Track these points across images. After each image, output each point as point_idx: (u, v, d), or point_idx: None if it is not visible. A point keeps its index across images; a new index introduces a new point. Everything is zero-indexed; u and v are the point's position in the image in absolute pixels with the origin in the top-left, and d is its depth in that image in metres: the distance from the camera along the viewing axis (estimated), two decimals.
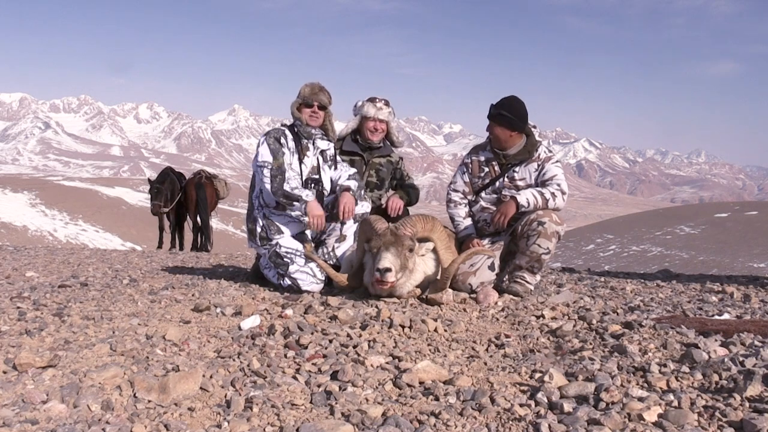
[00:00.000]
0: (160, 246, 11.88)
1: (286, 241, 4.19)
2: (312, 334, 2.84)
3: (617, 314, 3.39)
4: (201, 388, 2.12)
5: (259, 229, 4.27)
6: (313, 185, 4.28)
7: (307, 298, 3.61)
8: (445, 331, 2.99)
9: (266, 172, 4.09)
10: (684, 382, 2.19)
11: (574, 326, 3.09)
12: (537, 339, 2.89)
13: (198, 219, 11.44)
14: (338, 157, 4.50)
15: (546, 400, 2.04)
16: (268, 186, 4.08)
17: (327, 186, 4.37)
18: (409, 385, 2.22)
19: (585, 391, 2.09)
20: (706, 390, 2.11)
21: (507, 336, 2.93)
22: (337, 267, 4.17)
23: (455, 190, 4.36)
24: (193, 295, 3.80)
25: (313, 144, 4.32)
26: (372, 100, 4.85)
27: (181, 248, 11.75)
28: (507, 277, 4.10)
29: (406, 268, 3.60)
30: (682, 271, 7.12)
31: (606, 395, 2.02)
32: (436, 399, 2.10)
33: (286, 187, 4.06)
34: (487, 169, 4.24)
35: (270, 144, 4.17)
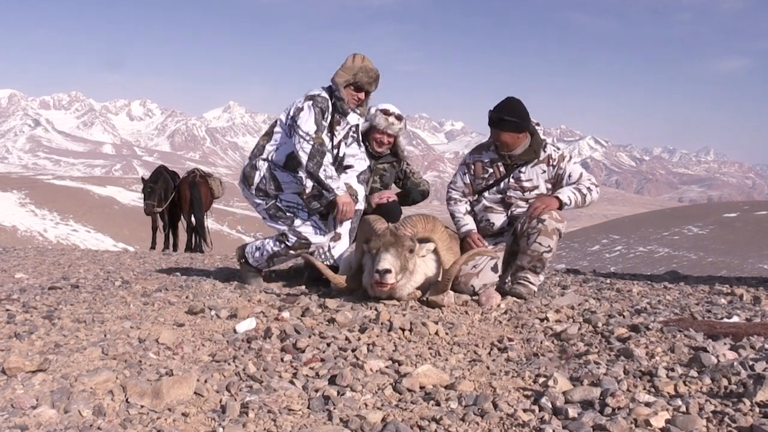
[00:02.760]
0: (153, 247, 11.88)
1: (286, 196, 4.24)
2: (309, 337, 2.84)
3: (623, 317, 3.39)
4: (195, 393, 2.12)
5: (257, 179, 4.28)
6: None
7: (304, 301, 3.61)
8: (447, 334, 2.99)
9: (306, 146, 4.05)
10: (692, 387, 2.19)
11: (579, 329, 3.08)
12: (541, 342, 2.89)
13: (192, 219, 11.44)
14: (359, 140, 4.48)
15: (550, 406, 2.04)
16: (304, 160, 4.05)
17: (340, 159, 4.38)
18: (409, 390, 2.22)
19: (590, 396, 2.09)
20: (715, 395, 2.12)
21: (510, 339, 2.93)
22: (335, 268, 4.17)
23: (455, 189, 4.38)
24: (187, 297, 3.80)
25: (345, 119, 4.30)
26: (385, 112, 4.87)
27: (175, 249, 11.74)
28: (510, 278, 4.09)
29: (407, 269, 3.60)
30: (691, 273, 7.12)
31: (612, 400, 2.02)
32: (437, 404, 2.10)
33: (322, 174, 4.06)
34: (491, 170, 4.22)
35: (316, 114, 4.11)
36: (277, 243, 4.30)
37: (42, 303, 3.52)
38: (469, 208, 4.33)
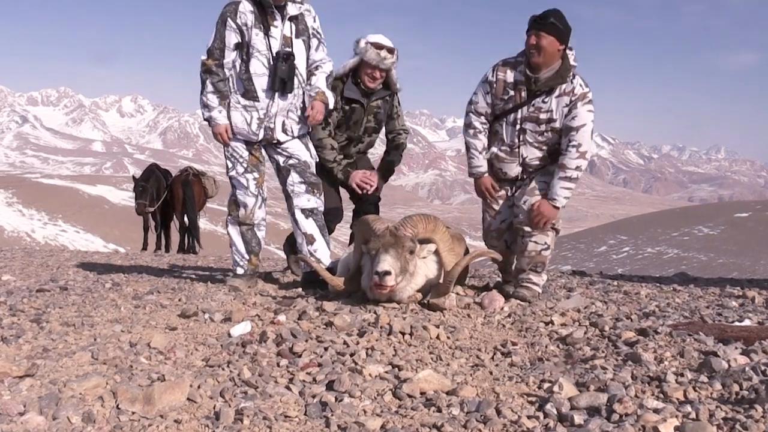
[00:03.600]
0: (144, 248, 11.88)
1: (235, 142, 4.28)
2: (306, 341, 2.84)
3: (631, 320, 3.39)
4: (188, 399, 2.12)
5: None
6: (284, 60, 4.11)
7: (301, 303, 3.61)
8: (448, 338, 2.99)
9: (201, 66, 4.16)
10: (702, 393, 2.19)
11: (585, 333, 3.09)
12: (546, 347, 2.89)
13: (185, 219, 11.44)
14: (321, 36, 4.36)
15: (555, 412, 2.04)
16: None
17: (302, 67, 4.26)
18: (409, 396, 2.22)
19: (597, 402, 2.09)
20: (725, 401, 2.12)
21: (514, 343, 2.93)
22: (332, 270, 4.17)
23: (477, 113, 4.07)
24: (179, 300, 3.80)
25: (280, 11, 4.15)
26: (377, 45, 4.74)
27: (168, 250, 11.75)
28: (513, 282, 4.09)
29: (407, 271, 3.60)
30: (700, 275, 7.13)
31: (619, 406, 2.02)
32: (439, 410, 2.10)
33: (201, 102, 4.19)
34: (512, 93, 3.93)
35: (214, 33, 4.14)
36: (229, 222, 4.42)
37: (30, 306, 3.52)
38: (486, 142, 4.09)
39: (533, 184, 3.98)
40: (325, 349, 2.73)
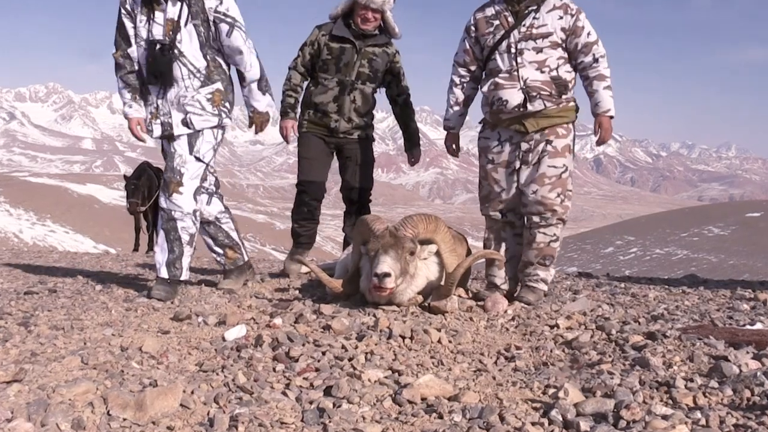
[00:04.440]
0: (136, 249, 11.88)
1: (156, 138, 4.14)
2: (303, 345, 2.84)
3: (639, 324, 3.39)
4: (181, 404, 2.12)
5: None
6: (160, 51, 3.82)
7: (297, 306, 3.61)
8: (450, 342, 2.99)
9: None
10: (712, 399, 2.19)
11: (592, 337, 3.09)
12: (551, 351, 2.89)
13: None
14: (236, 20, 3.96)
15: (560, 418, 2.04)
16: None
17: (194, 55, 3.92)
18: (410, 402, 2.22)
19: (603, 408, 2.09)
20: (736, 407, 2.12)
21: (518, 348, 2.93)
22: (330, 272, 4.18)
23: (455, 63, 4.09)
24: (172, 303, 3.80)
25: None
26: None
27: None
28: (519, 278, 4.07)
29: (407, 272, 3.60)
30: (711, 277, 7.13)
31: (627, 413, 2.02)
32: (440, 417, 2.10)
33: (119, 85, 4.03)
34: (497, 22, 3.87)
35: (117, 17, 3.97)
36: None
37: (17, 309, 3.52)
38: (461, 97, 4.10)
39: (543, 168, 3.85)
40: (323, 353, 2.73)
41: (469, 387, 2.39)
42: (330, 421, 2.04)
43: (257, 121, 4.21)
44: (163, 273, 4.05)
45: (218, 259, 4.42)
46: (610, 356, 2.76)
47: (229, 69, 4.14)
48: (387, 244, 3.56)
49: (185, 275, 4.12)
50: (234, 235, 4.38)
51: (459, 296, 3.89)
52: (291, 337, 2.93)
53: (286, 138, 5.13)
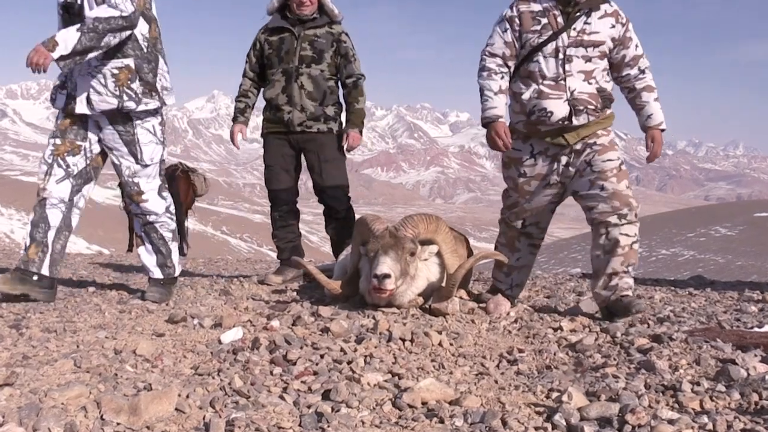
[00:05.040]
0: (130, 249, 11.86)
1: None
2: (301, 348, 2.84)
3: (644, 326, 3.39)
4: (176, 409, 2.12)
5: None
6: (66, 11, 3.62)
7: (295, 308, 3.61)
8: (451, 345, 2.99)
9: None
10: (719, 403, 2.19)
11: (596, 340, 3.09)
12: (554, 354, 2.89)
13: None
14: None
15: (564, 423, 2.04)
16: None
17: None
18: (410, 406, 2.22)
19: (608, 412, 2.09)
20: (744, 411, 2.12)
21: (520, 351, 2.93)
22: (329, 273, 4.17)
23: (492, 54, 3.69)
24: (167, 305, 3.80)
25: None
26: None
27: None
28: (600, 292, 3.63)
29: (407, 274, 3.60)
30: (718, 278, 7.14)
31: (632, 417, 2.02)
32: (441, 421, 2.10)
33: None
34: (544, 21, 3.56)
35: None
36: None
37: (8, 311, 3.52)
38: (504, 86, 3.68)
39: (598, 165, 3.57)
40: (321, 356, 2.73)
41: (470, 391, 2.38)
42: (328, 426, 2.04)
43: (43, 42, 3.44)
44: (157, 274, 4.04)
45: (21, 253, 3.93)
46: (614, 359, 2.76)
47: (154, 50, 3.81)
48: (387, 244, 3.56)
49: (178, 271, 4.13)
50: (64, 234, 3.95)
51: (460, 298, 3.89)
52: (288, 339, 2.93)
53: (233, 141, 5.13)
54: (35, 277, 3.78)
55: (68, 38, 3.41)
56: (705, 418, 2.01)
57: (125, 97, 3.66)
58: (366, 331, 3.13)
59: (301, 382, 2.44)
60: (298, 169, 5.05)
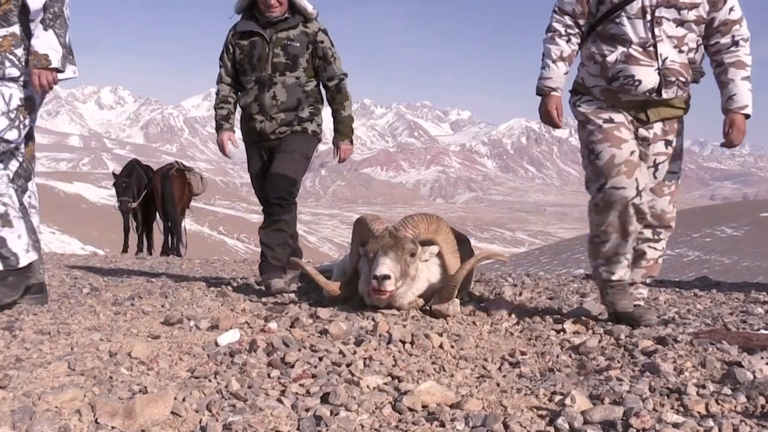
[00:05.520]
0: (125, 250, 11.88)
1: None
2: (299, 350, 2.84)
3: (649, 328, 3.39)
4: (172, 412, 2.12)
5: None
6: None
7: (293, 310, 3.61)
8: (452, 347, 2.99)
9: None
10: (725, 406, 2.19)
11: (600, 342, 3.09)
12: (557, 356, 2.89)
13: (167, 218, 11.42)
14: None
15: (567, 427, 2.04)
16: None
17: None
18: (410, 410, 2.22)
19: (612, 416, 2.09)
20: (750, 415, 2.12)
21: (523, 353, 2.93)
22: (327, 274, 4.17)
23: (561, 11, 3.33)
24: (163, 306, 3.80)
25: None
26: None
27: (150, 252, 11.75)
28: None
29: (407, 275, 3.60)
30: (724, 279, 7.13)
31: (636, 421, 2.02)
32: (442, 425, 2.10)
33: None
34: None
35: None
36: None
37: (1, 313, 3.52)
38: (568, 51, 3.31)
39: (661, 174, 3.34)
40: (320, 359, 2.73)
41: (472, 394, 2.38)
42: (327, 430, 2.04)
43: (32, 63, 3.42)
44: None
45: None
46: (618, 362, 2.76)
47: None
48: (387, 245, 3.56)
49: (24, 261, 3.64)
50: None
51: (461, 299, 3.89)
52: (286, 342, 2.93)
53: (223, 152, 4.88)
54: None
55: (49, 43, 3.41)
56: (710, 422, 2.01)
57: (7, 63, 3.46)
58: (365, 333, 3.13)
59: (300, 385, 2.44)
60: None
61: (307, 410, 2.19)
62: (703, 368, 2.59)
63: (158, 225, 11.77)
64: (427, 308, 3.68)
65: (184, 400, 2.22)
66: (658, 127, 3.31)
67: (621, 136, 3.22)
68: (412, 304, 3.68)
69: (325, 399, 2.29)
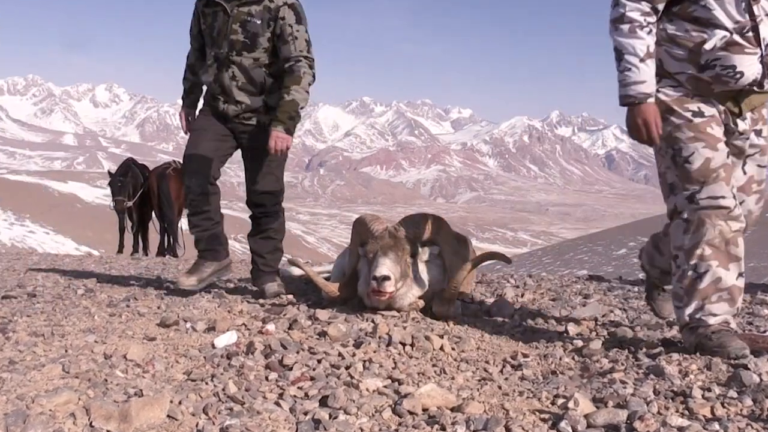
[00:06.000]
0: (120, 250, 11.87)
1: None
2: (297, 353, 2.84)
3: (653, 330, 3.39)
4: (168, 415, 2.12)
5: None
6: None
7: (291, 311, 3.61)
8: (453, 349, 2.99)
9: None
10: (731, 409, 2.19)
11: (603, 344, 3.09)
12: (560, 359, 2.89)
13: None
14: None
15: (570, 430, 2.04)
16: None
17: None
18: (410, 413, 2.22)
19: (616, 419, 2.09)
20: (757, 418, 2.12)
21: (525, 355, 2.93)
22: (326, 275, 4.17)
23: None
24: (158, 308, 3.80)
25: None
26: None
27: (146, 253, 11.74)
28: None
29: (408, 276, 3.60)
30: None
31: (640, 424, 2.02)
32: (443, 429, 2.10)
33: None
34: None
35: None
36: None
37: None
38: (653, 45, 2.72)
39: (751, 169, 2.91)
40: (318, 361, 2.73)
41: (473, 397, 2.38)
42: None
43: None
44: None
45: None
46: (622, 364, 2.76)
47: None
48: (386, 245, 3.56)
49: None
50: None
51: (463, 301, 3.89)
52: (284, 344, 2.93)
53: (183, 127, 4.55)
54: None
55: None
56: (716, 425, 2.01)
57: None
58: (365, 335, 3.13)
59: (298, 388, 2.44)
60: (228, 151, 4.40)
61: (306, 413, 2.19)
62: (708, 371, 2.59)
63: (154, 225, 11.76)
64: (428, 310, 3.68)
65: (180, 403, 2.22)
66: (749, 117, 2.85)
67: (714, 134, 2.72)
68: (413, 306, 3.68)
69: (323, 402, 2.28)
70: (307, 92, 4.18)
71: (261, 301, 4.08)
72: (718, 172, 2.68)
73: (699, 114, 2.73)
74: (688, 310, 2.79)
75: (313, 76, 4.22)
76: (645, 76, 2.67)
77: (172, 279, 4.33)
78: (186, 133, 4.51)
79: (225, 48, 4.15)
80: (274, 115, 4.11)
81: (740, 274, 2.75)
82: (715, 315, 2.75)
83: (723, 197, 2.67)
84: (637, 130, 2.71)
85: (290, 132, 4.14)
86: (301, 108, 4.17)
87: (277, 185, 4.39)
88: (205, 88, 4.47)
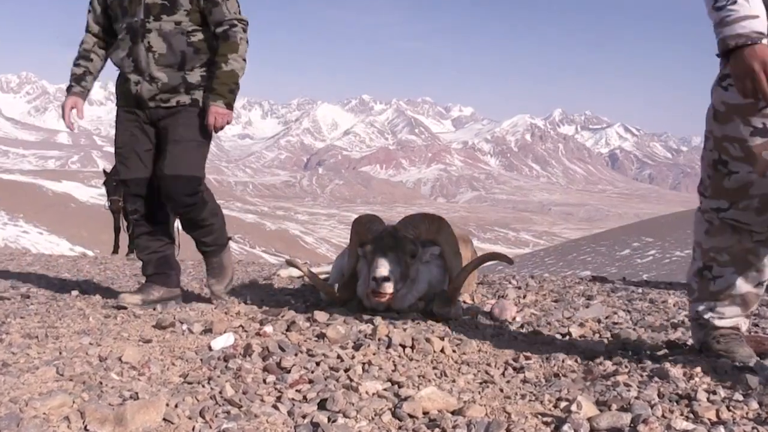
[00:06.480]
0: (115, 251, 11.88)
1: None
2: (296, 355, 2.84)
3: (658, 332, 3.39)
4: (164, 419, 2.12)
5: None
6: None
7: (289, 313, 3.61)
8: (454, 351, 2.99)
9: None
10: (737, 413, 2.19)
11: (607, 346, 3.09)
12: (562, 361, 2.89)
13: None
14: None
15: None
16: None
17: None
18: (411, 416, 2.22)
19: (619, 422, 2.09)
20: (763, 422, 2.12)
21: (527, 357, 2.93)
22: (325, 275, 4.17)
23: None
24: (154, 309, 3.80)
25: None
26: None
27: None
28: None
29: (408, 277, 3.60)
30: None
31: (644, 428, 2.02)
32: None
33: None
34: None
35: None
36: None
37: None
38: None
39: None
40: (317, 363, 2.73)
41: (474, 400, 2.39)
42: None
43: None
44: None
45: None
46: (626, 367, 2.76)
47: None
48: (386, 245, 3.56)
49: None
50: None
51: (464, 302, 3.89)
52: (282, 346, 2.93)
53: (64, 119, 4.08)
54: None
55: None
56: (721, 429, 2.01)
57: None
58: (364, 336, 3.13)
59: (296, 390, 2.44)
60: (151, 155, 4.01)
61: (304, 417, 2.19)
62: (713, 373, 2.59)
63: None
64: (428, 311, 3.68)
65: (176, 406, 2.22)
66: None
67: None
68: (413, 307, 3.68)
69: (322, 405, 2.28)
70: (245, 60, 3.84)
71: (258, 302, 4.08)
72: (751, 201, 2.49)
73: (761, 133, 2.36)
74: (699, 307, 2.79)
75: (247, 42, 3.88)
76: (756, 9, 2.17)
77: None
78: (69, 127, 4.10)
79: (140, 14, 3.71)
80: (211, 87, 3.79)
81: (760, 283, 2.65)
82: (724, 317, 2.74)
83: (748, 224, 2.54)
84: (753, 78, 2.17)
85: (231, 107, 3.84)
86: (240, 78, 3.84)
87: (196, 171, 3.89)
88: (100, 78, 4.10)
